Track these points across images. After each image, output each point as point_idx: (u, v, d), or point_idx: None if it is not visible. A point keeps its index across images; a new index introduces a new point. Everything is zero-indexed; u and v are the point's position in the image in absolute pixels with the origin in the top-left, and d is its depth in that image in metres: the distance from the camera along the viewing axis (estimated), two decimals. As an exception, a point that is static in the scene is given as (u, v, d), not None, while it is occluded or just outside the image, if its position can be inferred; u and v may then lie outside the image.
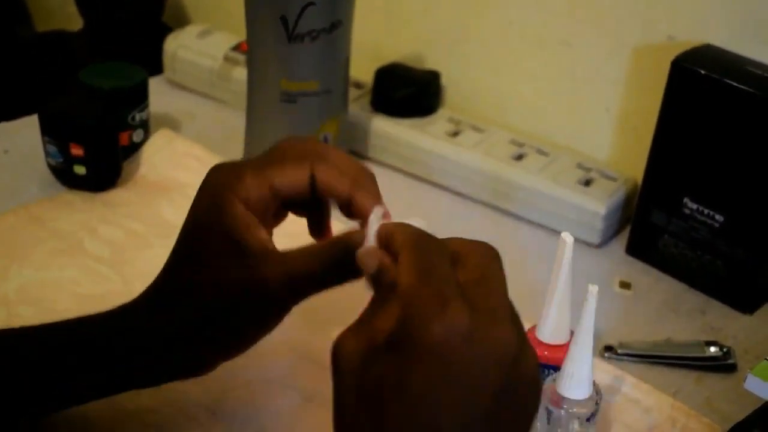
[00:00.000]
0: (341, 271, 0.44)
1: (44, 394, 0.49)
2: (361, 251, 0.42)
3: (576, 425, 0.53)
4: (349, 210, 0.47)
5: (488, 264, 0.39)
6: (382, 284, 0.40)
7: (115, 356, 0.48)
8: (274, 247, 0.46)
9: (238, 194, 0.45)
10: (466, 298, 0.37)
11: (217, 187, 0.46)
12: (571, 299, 0.56)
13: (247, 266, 0.45)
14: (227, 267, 0.45)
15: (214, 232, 0.45)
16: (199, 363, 0.49)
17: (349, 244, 0.43)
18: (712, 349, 0.66)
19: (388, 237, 0.41)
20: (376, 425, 0.37)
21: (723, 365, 0.66)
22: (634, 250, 0.78)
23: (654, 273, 0.76)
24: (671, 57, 0.70)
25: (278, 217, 0.49)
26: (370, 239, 0.42)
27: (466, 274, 0.39)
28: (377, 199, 0.47)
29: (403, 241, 0.40)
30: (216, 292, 0.46)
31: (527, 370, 0.37)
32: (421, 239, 0.40)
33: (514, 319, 0.38)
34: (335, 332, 0.67)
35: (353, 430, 0.38)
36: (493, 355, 0.36)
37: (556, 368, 0.55)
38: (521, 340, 0.37)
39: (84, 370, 0.49)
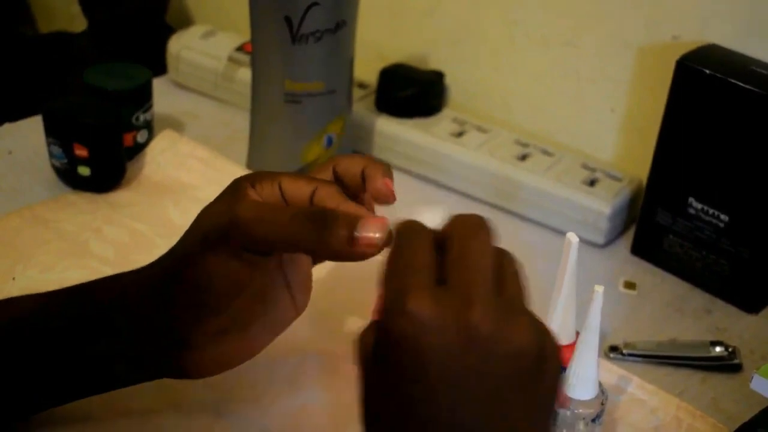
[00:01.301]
0: (313, 234, 0.43)
1: (34, 382, 0.50)
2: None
3: (582, 425, 0.53)
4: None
5: (469, 237, 0.38)
6: None
7: (107, 331, 0.49)
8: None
9: (254, 186, 0.46)
10: (441, 281, 0.36)
11: (236, 181, 0.47)
12: (576, 300, 0.56)
13: (228, 210, 0.45)
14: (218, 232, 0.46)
15: (221, 213, 0.46)
16: (190, 354, 0.48)
17: (326, 211, 0.43)
18: (718, 348, 0.66)
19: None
20: (378, 419, 0.37)
21: (728, 365, 0.65)
22: (639, 250, 0.78)
23: (659, 273, 0.76)
24: (676, 57, 0.70)
25: None
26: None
27: (446, 257, 0.37)
28: (387, 173, 0.48)
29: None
30: (203, 262, 0.46)
31: (510, 345, 0.35)
32: (400, 231, 0.39)
33: (492, 293, 0.36)
34: (340, 334, 0.67)
35: (369, 423, 0.38)
36: (464, 339, 0.35)
37: (562, 369, 0.55)
38: (499, 315, 0.35)
39: (76, 350, 0.49)
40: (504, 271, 0.38)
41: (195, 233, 0.47)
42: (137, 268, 0.50)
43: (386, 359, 0.36)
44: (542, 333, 0.36)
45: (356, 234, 0.42)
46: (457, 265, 0.37)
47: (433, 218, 0.41)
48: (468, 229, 0.38)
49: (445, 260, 0.37)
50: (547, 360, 0.36)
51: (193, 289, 0.46)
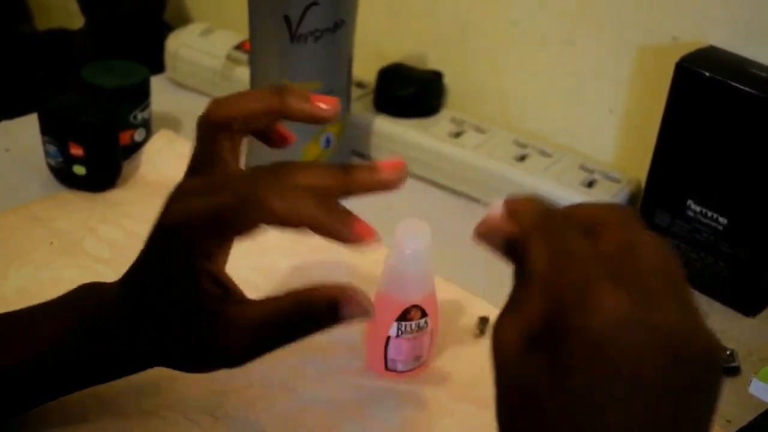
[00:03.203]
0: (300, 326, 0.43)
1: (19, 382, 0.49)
2: (488, 216, 0.38)
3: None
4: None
5: (630, 230, 0.35)
6: (518, 261, 0.36)
7: (91, 337, 0.48)
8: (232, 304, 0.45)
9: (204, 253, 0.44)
10: (613, 276, 0.33)
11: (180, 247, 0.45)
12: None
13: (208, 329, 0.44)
14: (186, 320, 0.45)
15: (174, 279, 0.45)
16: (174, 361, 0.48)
17: (312, 298, 0.43)
18: (716, 352, 0.66)
19: (514, 215, 0.37)
20: (535, 427, 0.33)
21: (726, 368, 0.65)
22: (637, 251, 0.77)
23: (657, 275, 0.76)
24: (675, 58, 0.70)
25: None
26: (497, 212, 0.38)
27: (606, 247, 0.34)
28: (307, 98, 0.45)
29: (529, 221, 0.36)
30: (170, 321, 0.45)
31: (697, 348, 0.33)
32: (548, 216, 0.36)
33: (678, 293, 0.33)
34: (337, 335, 0.66)
35: (513, 429, 0.35)
36: (658, 341, 0.32)
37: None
38: (689, 318, 0.33)
39: (61, 356, 0.48)
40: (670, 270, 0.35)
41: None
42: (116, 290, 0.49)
43: (559, 360, 0.32)
44: (718, 343, 0.34)
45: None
46: (630, 260, 0.34)
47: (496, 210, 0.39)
48: (628, 221, 0.36)
49: (605, 252, 0.34)
50: (717, 371, 0.34)
51: None
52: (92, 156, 0.75)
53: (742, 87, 0.66)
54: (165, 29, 1.03)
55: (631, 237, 0.35)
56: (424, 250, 0.56)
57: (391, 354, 0.59)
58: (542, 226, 0.35)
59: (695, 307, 0.34)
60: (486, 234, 0.38)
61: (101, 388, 0.53)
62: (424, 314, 0.58)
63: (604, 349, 0.32)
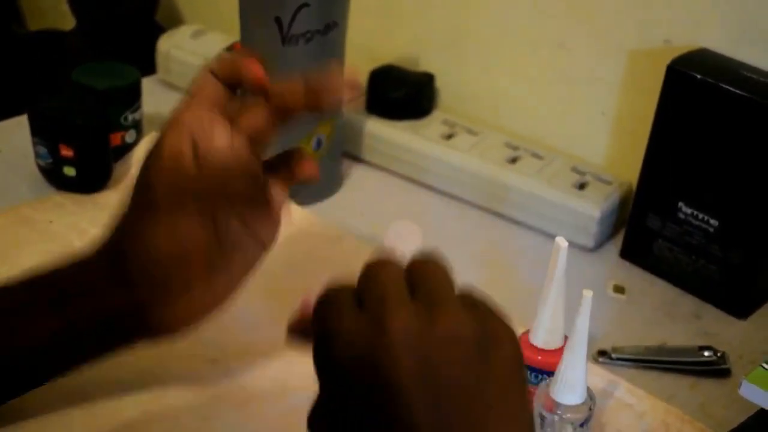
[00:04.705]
0: None
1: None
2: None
3: (569, 430, 0.53)
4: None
5: (426, 263, 0.38)
6: None
7: (70, 301, 0.51)
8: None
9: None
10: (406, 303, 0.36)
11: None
12: (565, 304, 0.56)
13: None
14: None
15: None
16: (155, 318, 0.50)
17: None
18: (707, 353, 0.66)
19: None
20: None
21: (717, 370, 0.65)
22: (628, 254, 0.77)
23: (648, 277, 0.76)
24: (667, 61, 0.70)
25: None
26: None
27: (413, 281, 0.37)
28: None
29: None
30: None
31: (443, 333, 0.35)
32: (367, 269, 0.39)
33: (406, 296, 0.36)
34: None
35: None
36: (401, 345, 0.34)
37: (550, 373, 0.54)
38: (419, 310, 0.35)
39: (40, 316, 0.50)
40: (417, 274, 0.37)
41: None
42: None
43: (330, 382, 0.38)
44: (482, 319, 0.35)
45: None
46: (368, 286, 0.37)
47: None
48: (374, 262, 0.39)
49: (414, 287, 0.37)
50: (494, 346, 0.35)
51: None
52: (83, 157, 0.75)
53: (733, 89, 0.66)
54: (157, 30, 1.03)
55: (372, 268, 0.38)
56: (415, 252, 0.55)
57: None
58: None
59: (443, 297, 0.36)
60: (294, 328, 0.42)
61: (88, 391, 0.53)
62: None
63: (341, 367, 0.36)
